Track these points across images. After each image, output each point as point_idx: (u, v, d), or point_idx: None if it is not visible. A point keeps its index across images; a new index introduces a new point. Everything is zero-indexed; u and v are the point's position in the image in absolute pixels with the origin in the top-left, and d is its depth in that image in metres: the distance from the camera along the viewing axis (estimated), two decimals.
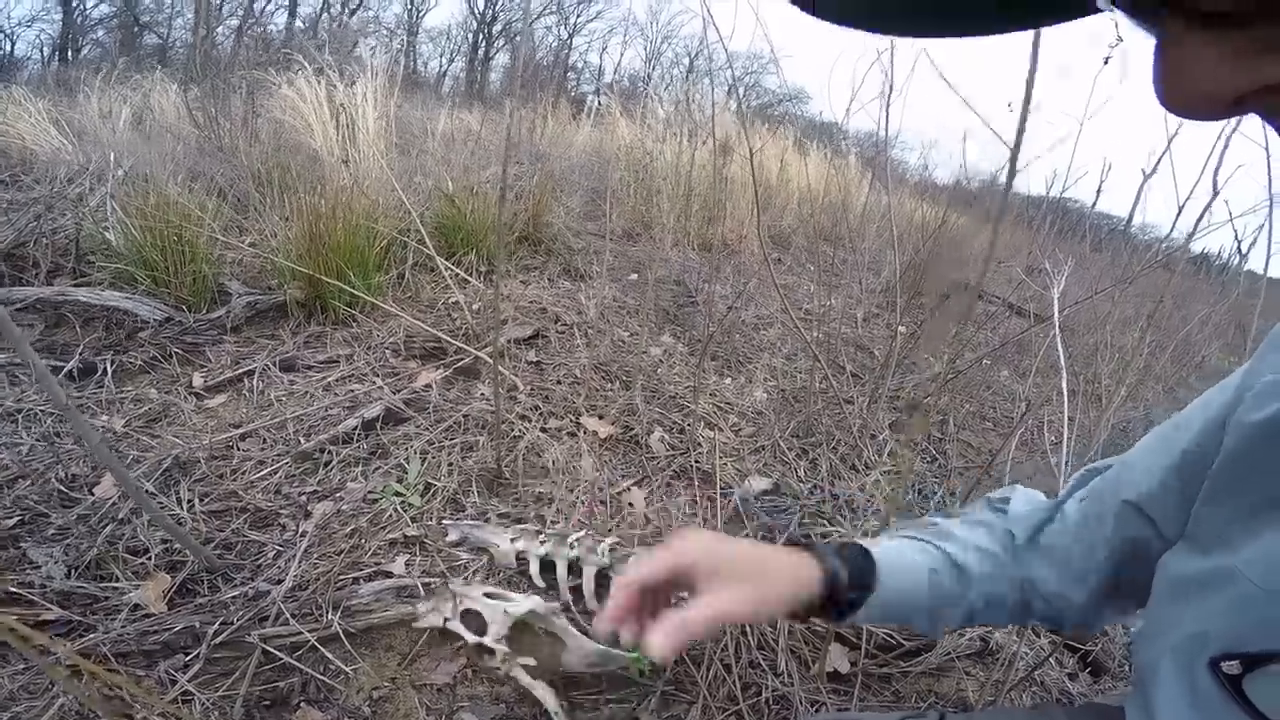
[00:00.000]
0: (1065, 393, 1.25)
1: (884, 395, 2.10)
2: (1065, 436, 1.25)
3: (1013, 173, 0.84)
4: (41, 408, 1.38)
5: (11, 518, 1.11)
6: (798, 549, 0.54)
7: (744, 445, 1.72)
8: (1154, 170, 1.79)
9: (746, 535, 1.38)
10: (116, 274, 1.79)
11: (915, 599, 0.54)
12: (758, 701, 1.01)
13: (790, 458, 1.69)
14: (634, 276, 2.75)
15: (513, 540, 1.16)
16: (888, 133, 1.98)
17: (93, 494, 1.20)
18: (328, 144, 2.43)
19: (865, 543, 0.56)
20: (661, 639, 0.41)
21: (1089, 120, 1.94)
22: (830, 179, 3.97)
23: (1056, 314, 1.28)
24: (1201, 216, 1.54)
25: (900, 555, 0.55)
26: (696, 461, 1.56)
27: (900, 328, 2.25)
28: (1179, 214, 1.65)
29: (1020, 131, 0.80)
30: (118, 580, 1.03)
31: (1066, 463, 1.19)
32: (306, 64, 2.69)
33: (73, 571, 1.04)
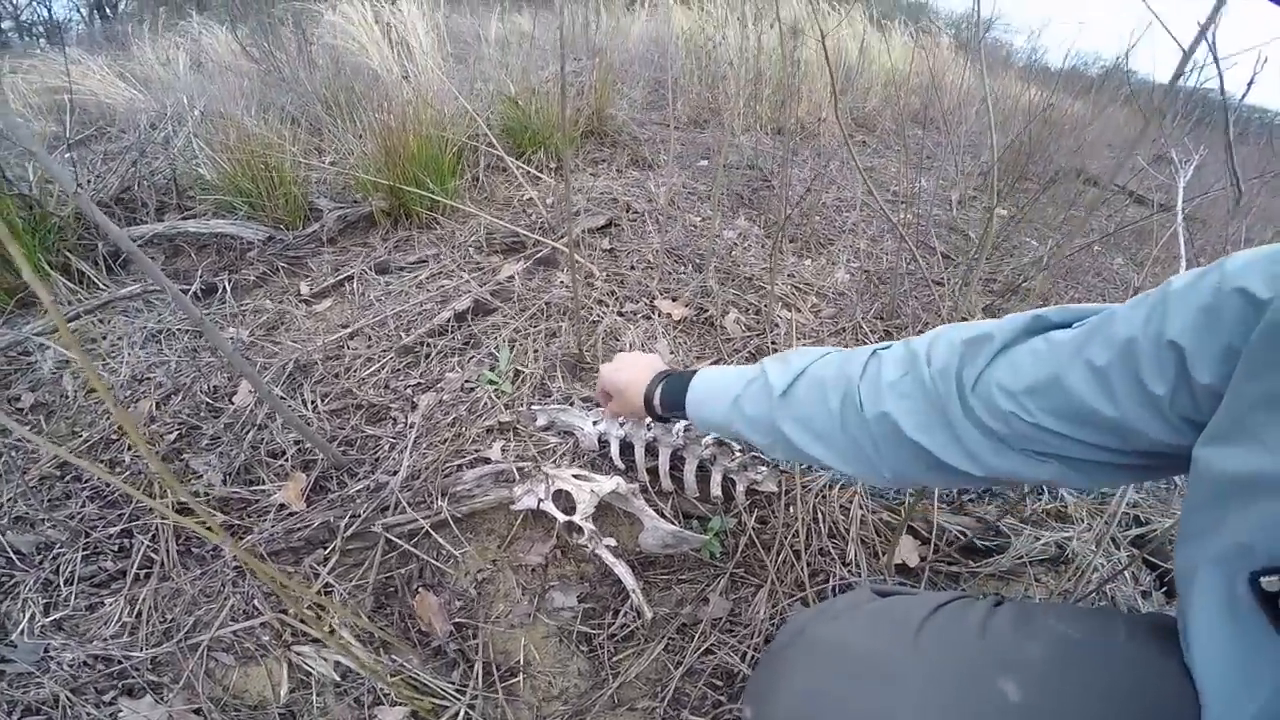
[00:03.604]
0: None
1: (978, 278, 1.95)
2: None
3: None
4: (178, 326, 1.53)
5: (172, 432, 1.24)
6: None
7: (823, 326, 1.67)
8: None
9: None
10: (216, 204, 1.92)
11: (720, 420, 0.72)
12: (824, 589, 1.02)
13: (873, 340, 1.63)
14: (704, 162, 2.63)
15: (595, 423, 1.20)
16: (980, 7, 1.74)
17: (233, 403, 1.32)
18: (384, 62, 2.42)
19: (702, 367, 0.79)
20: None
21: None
22: (918, 60, 3.53)
23: (1180, 198, 1.17)
24: None
25: (721, 378, 0.74)
26: (773, 342, 1.53)
27: (1000, 210, 2.05)
28: None
29: None
30: (263, 483, 1.14)
31: None
32: None
33: (227, 478, 1.14)
